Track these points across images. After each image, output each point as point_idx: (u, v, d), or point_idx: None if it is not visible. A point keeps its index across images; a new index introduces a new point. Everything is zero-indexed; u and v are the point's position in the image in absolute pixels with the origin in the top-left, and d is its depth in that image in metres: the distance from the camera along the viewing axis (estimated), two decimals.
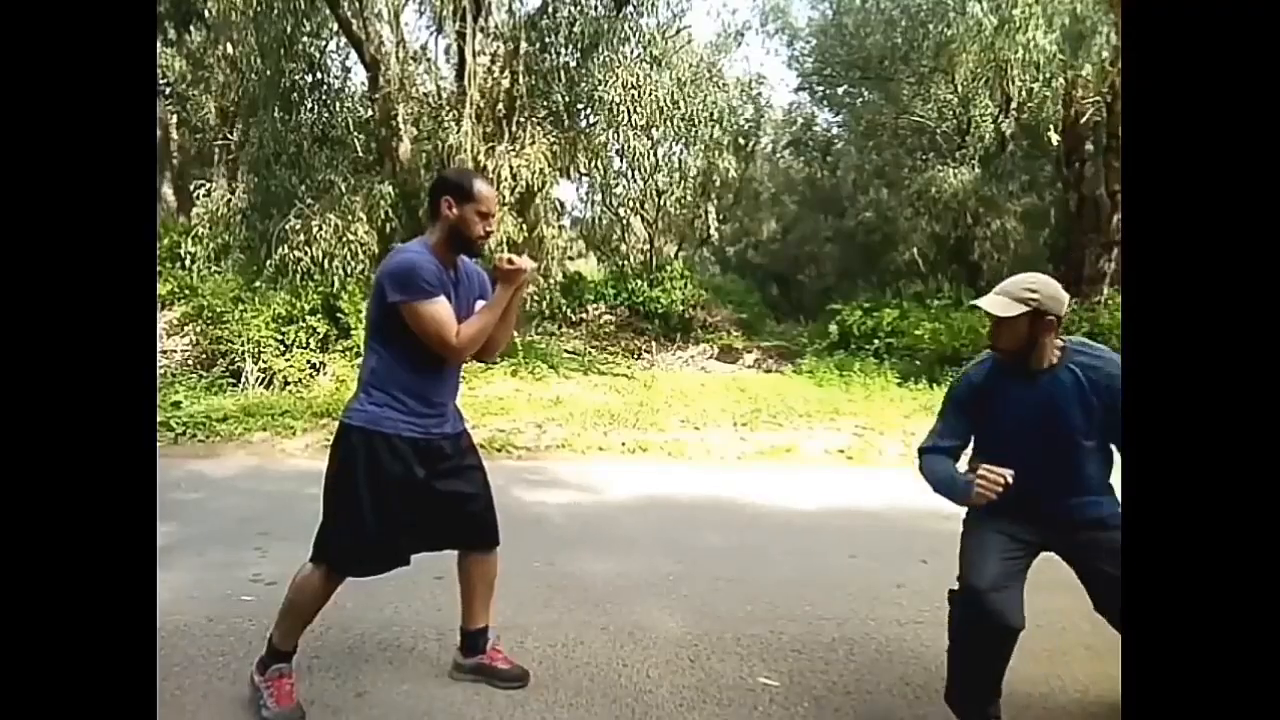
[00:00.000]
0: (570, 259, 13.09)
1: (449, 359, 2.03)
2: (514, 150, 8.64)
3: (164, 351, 8.65)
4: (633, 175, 10.96)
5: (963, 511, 2.07)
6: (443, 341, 1.95)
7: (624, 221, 16.51)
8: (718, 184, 13.49)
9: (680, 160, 10.55)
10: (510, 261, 2.01)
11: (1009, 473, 1.79)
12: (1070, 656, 2.48)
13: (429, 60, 10.02)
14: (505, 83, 8.92)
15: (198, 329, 8.78)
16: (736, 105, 12.50)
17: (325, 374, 8.14)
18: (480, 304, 2.09)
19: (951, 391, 2.09)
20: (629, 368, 11.09)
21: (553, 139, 8.99)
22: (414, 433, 2.02)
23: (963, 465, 2.02)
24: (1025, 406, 1.91)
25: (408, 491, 2.02)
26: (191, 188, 11.57)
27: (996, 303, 1.86)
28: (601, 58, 8.95)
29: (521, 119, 8.90)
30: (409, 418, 2.01)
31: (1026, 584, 1.94)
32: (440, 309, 1.95)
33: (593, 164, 9.90)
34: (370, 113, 9.47)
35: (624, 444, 5.87)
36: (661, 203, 14.82)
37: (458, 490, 2.13)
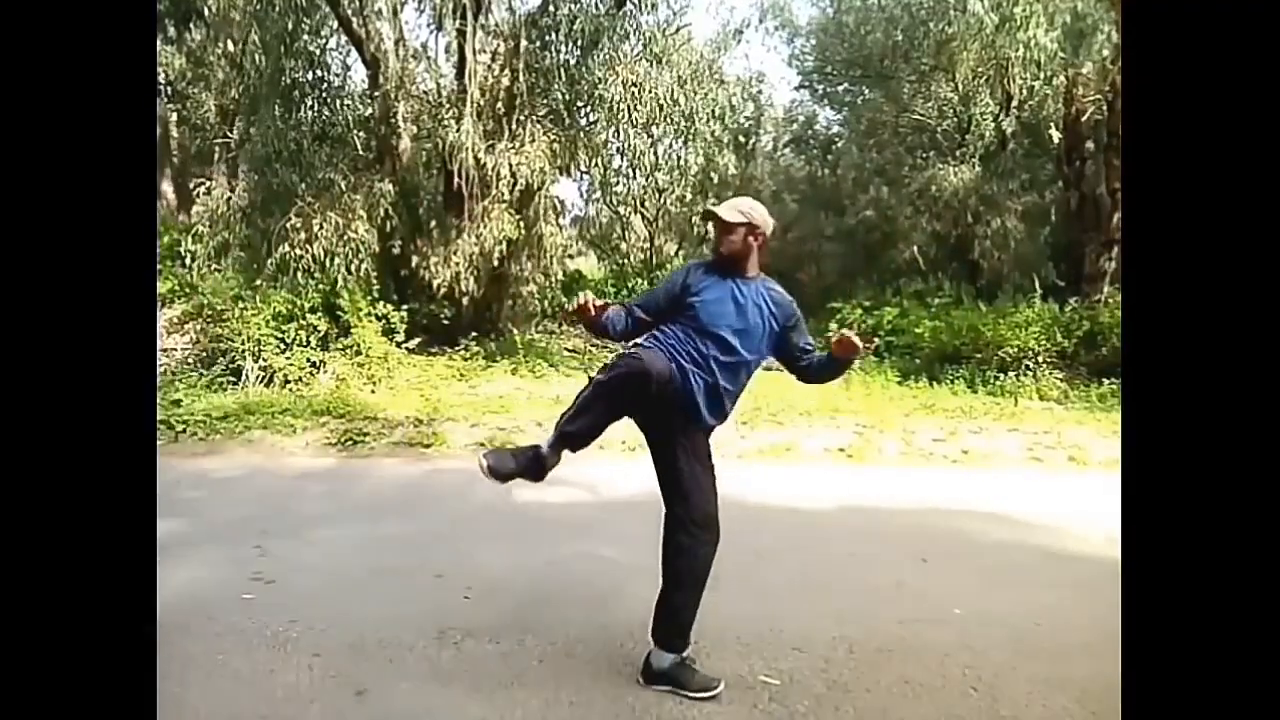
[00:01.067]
0: (570, 257, 13.07)
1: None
2: (514, 148, 8.62)
3: (164, 350, 8.65)
4: (633, 173, 10.93)
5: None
6: None
7: (624, 220, 16.50)
8: (718, 182, 13.44)
9: (680, 158, 10.51)
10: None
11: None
12: (1070, 656, 2.48)
13: (429, 58, 10.00)
14: (505, 80, 8.91)
15: (198, 327, 8.78)
16: (737, 103, 12.46)
17: (325, 372, 8.13)
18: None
19: (671, 275, 2.40)
20: None
21: (553, 137, 8.97)
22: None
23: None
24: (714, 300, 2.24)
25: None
26: (191, 186, 11.53)
27: (726, 210, 2.28)
28: (602, 55, 8.93)
29: (521, 117, 8.88)
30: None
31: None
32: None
33: (593, 162, 9.88)
34: (370, 110, 9.45)
35: (624, 443, 5.86)
36: (662, 201, 14.81)
37: None
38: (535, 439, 2.23)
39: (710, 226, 2.37)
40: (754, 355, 2.27)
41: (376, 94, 9.11)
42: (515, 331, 10.11)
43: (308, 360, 8.09)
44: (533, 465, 2.12)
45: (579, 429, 2.12)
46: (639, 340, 2.28)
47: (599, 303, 2.20)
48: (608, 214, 15.27)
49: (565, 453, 2.17)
